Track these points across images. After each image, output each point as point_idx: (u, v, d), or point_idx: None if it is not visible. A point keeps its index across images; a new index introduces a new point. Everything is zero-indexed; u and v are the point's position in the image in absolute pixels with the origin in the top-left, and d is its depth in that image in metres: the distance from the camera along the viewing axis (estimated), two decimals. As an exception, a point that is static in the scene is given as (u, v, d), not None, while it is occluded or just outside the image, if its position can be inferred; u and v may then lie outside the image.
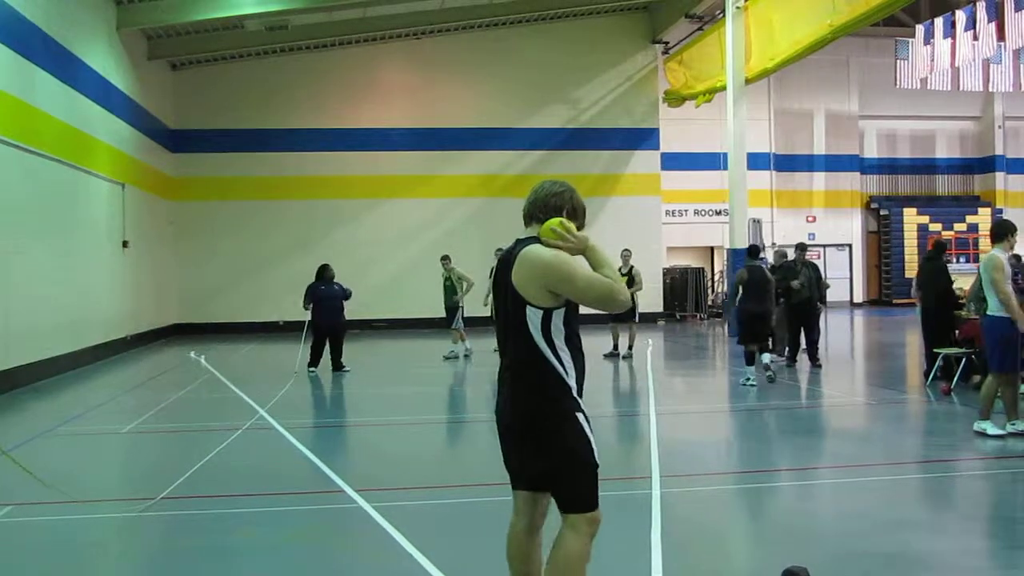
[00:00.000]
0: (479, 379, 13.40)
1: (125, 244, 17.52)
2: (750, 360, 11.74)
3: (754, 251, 12.04)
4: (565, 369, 3.29)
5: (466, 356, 15.31)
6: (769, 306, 11.70)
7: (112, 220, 16.93)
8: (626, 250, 15.29)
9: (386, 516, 5.55)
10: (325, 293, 13.52)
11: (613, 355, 15.10)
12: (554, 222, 3.33)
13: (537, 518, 3.51)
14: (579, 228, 3.46)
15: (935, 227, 28.49)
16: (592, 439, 3.31)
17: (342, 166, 23.08)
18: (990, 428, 7.90)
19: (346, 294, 13.72)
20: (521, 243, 3.41)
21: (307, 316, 13.59)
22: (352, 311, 14.96)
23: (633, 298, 14.23)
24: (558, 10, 23.32)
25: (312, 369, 13.51)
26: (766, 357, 11.74)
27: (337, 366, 13.65)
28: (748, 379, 11.43)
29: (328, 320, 13.55)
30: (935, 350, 11.40)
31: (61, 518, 5.95)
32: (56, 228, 14.02)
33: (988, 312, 7.88)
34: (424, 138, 23.37)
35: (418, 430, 9.45)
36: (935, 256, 11.59)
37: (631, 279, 14.54)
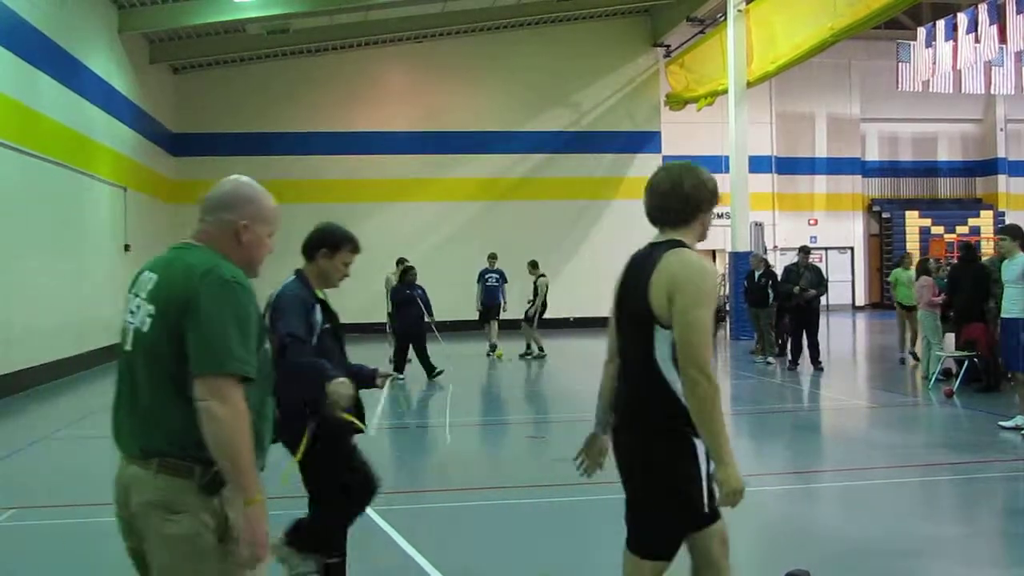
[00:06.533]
0: (485, 382, 13.40)
1: (127, 247, 17.52)
2: None
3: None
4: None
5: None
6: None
7: (114, 223, 16.94)
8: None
9: (388, 519, 5.54)
10: (407, 297, 13.23)
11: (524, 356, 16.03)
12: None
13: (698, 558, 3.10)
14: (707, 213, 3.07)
15: (937, 230, 28.43)
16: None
17: (344, 170, 23.09)
18: None
19: (424, 299, 13.28)
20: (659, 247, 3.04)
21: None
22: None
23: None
24: (560, 14, 23.33)
25: (400, 377, 12.72)
26: None
27: (429, 372, 13.04)
28: None
29: (404, 326, 13.22)
30: (937, 353, 11.40)
31: (64, 522, 5.94)
32: (58, 231, 14.02)
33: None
34: (426, 141, 23.37)
35: (419, 433, 9.45)
36: (973, 258, 11.52)
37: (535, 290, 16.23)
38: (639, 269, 3.02)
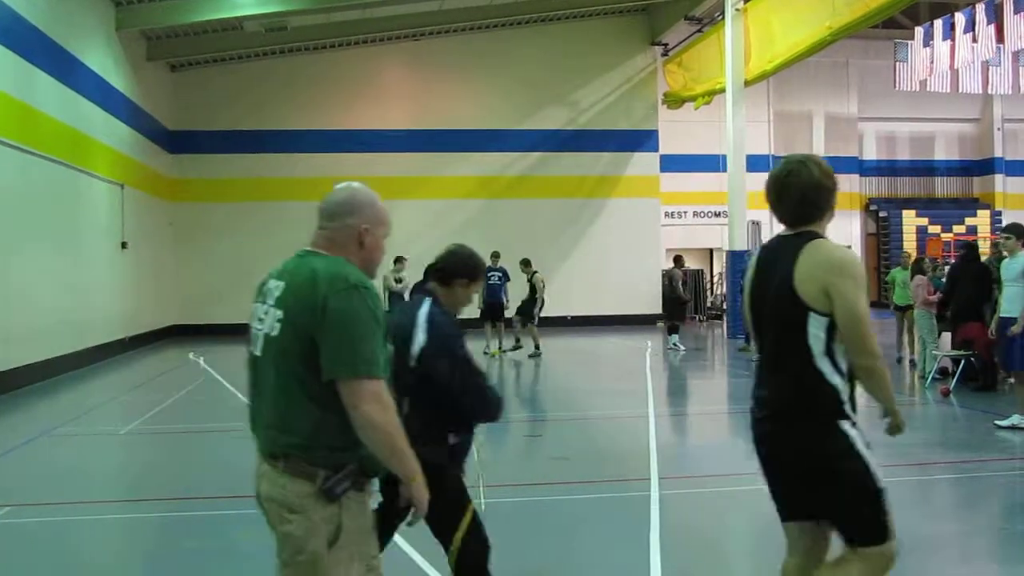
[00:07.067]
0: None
1: (124, 245, 17.50)
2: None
3: (678, 260, 17.17)
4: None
5: None
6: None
7: (111, 221, 16.92)
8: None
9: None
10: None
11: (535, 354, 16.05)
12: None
13: (813, 553, 3.19)
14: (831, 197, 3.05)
15: (934, 229, 28.47)
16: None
17: (341, 167, 22.99)
18: None
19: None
20: (792, 240, 3.00)
21: None
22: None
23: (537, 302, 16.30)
24: (557, 12, 23.32)
25: None
26: (674, 338, 16.62)
27: None
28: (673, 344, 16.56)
29: None
30: (935, 352, 11.41)
31: (60, 519, 5.94)
32: (55, 229, 14.01)
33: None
34: (423, 139, 23.35)
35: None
36: (975, 257, 11.52)
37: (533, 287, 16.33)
38: (776, 261, 3.01)
